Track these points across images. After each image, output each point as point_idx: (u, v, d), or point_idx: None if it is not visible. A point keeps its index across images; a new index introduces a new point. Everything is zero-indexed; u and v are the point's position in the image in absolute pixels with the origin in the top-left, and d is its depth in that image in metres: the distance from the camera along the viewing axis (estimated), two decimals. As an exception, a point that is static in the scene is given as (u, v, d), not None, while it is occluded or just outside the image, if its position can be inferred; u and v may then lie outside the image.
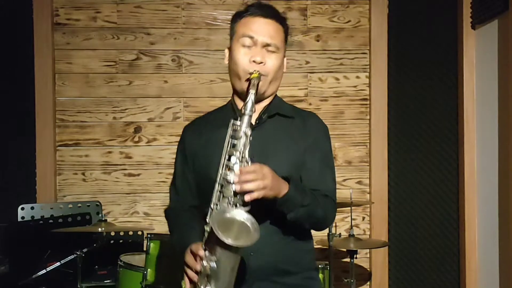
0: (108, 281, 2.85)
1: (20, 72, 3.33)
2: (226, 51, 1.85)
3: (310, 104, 3.49)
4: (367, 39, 3.50)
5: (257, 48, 1.75)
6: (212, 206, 1.59)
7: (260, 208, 1.58)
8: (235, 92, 1.83)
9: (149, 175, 3.42)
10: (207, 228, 1.58)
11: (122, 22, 3.42)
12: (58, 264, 2.78)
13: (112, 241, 3.11)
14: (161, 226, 3.37)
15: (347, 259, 3.03)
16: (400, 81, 3.49)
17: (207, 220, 1.58)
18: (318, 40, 3.50)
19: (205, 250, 1.54)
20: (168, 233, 1.93)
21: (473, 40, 3.39)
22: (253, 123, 1.72)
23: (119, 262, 2.70)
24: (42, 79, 3.33)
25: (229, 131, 1.62)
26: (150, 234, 2.68)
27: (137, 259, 2.76)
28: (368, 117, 3.51)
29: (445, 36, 3.48)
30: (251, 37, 1.75)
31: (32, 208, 3.14)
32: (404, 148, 3.50)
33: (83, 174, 3.40)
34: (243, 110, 1.62)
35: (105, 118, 3.42)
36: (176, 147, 1.94)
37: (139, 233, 3.17)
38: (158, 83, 3.43)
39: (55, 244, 2.89)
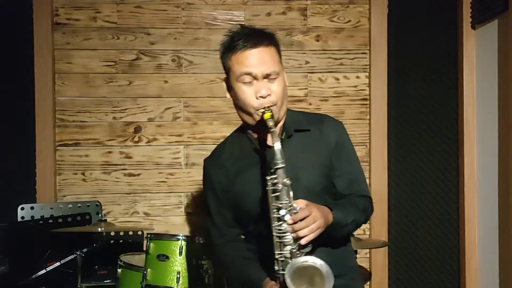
0: (108, 281, 2.85)
1: (20, 72, 3.33)
2: (224, 84, 1.85)
3: (310, 104, 3.49)
4: (367, 39, 3.50)
5: (259, 81, 1.74)
6: (276, 256, 1.66)
7: None
8: (247, 124, 1.85)
9: (149, 175, 3.42)
10: (278, 276, 1.66)
11: (122, 22, 3.42)
12: (58, 264, 2.78)
13: (112, 241, 3.11)
14: (161, 226, 3.38)
15: (347, 259, 3.02)
16: (400, 81, 3.49)
17: (276, 269, 1.66)
18: (318, 40, 3.50)
19: None
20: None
21: (473, 40, 3.39)
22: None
23: (119, 262, 2.70)
24: (42, 79, 3.33)
25: (269, 187, 1.66)
26: (150, 234, 2.68)
27: (137, 259, 2.77)
28: (368, 117, 3.51)
29: (445, 36, 3.48)
30: (250, 73, 1.74)
31: (32, 208, 3.14)
32: (404, 148, 3.50)
33: (83, 174, 3.40)
34: (274, 165, 1.65)
35: (105, 118, 3.42)
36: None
37: (139, 233, 3.17)
38: (158, 83, 3.43)
39: (55, 244, 2.89)
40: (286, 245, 1.64)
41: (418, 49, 3.49)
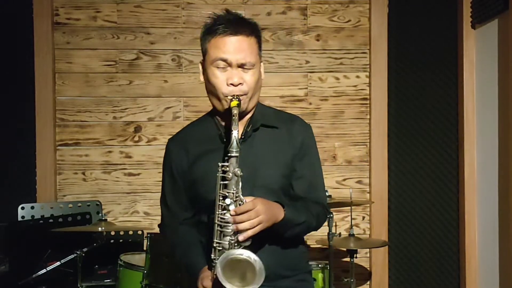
0: (108, 280, 2.85)
1: (20, 72, 3.33)
2: (200, 66, 1.83)
3: (310, 103, 3.49)
4: (367, 39, 3.50)
5: (233, 69, 1.73)
6: (214, 244, 1.64)
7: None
8: (215, 110, 1.84)
9: (149, 174, 3.42)
10: (213, 264, 1.63)
11: (122, 22, 3.42)
12: (58, 263, 2.77)
13: (112, 241, 3.11)
14: (161, 226, 3.38)
15: (347, 259, 3.03)
16: (400, 80, 3.49)
17: (212, 257, 1.65)
18: (318, 40, 3.50)
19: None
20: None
21: (473, 39, 3.39)
22: (239, 137, 1.72)
23: (119, 262, 2.71)
24: (42, 78, 3.33)
25: (219, 173, 1.65)
26: (150, 233, 2.68)
27: (137, 259, 2.77)
28: (368, 117, 3.51)
29: (445, 35, 3.48)
30: (225, 60, 1.72)
31: (32, 207, 3.14)
32: (404, 148, 3.50)
33: (83, 173, 3.40)
34: (228, 152, 1.64)
35: (105, 117, 3.42)
36: (164, 153, 1.93)
37: (139, 232, 3.17)
38: (158, 82, 3.43)
39: (55, 244, 2.89)
40: (226, 235, 1.62)
41: (418, 48, 3.48)
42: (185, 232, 1.86)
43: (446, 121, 3.49)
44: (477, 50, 3.38)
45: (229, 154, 1.64)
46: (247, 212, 1.60)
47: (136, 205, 3.42)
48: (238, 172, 1.62)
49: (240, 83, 1.73)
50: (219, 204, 1.64)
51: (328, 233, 2.87)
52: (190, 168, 1.82)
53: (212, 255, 1.64)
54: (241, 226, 1.60)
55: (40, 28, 3.32)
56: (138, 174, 3.42)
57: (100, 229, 2.76)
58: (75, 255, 2.74)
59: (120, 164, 3.42)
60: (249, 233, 1.60)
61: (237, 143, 1.63)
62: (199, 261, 1.74)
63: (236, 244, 1.62)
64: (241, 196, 1.63)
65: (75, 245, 2.76)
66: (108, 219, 2.94)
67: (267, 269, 1.58)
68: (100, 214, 3.00)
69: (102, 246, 2.85)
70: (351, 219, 3.04)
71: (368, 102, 3.51)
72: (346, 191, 3.24)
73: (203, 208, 1.78)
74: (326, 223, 2.87)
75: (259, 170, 1.75)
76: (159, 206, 3.30)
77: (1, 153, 3.30)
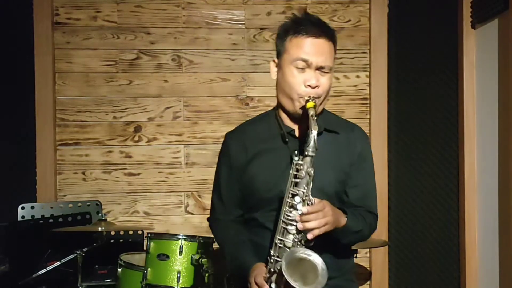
0: (108, 280, 2.85)
1: (20, 72, 3.33)
2: (272, 64, 1.85)
3: (310, 103, 3.49)
4: (367, 39, 3.50)
5: (311, 70, 1.75)
6: (276, 240, 1.66)
7: None
8: (282, 108, 1.84)
9: (149, 174, 3.42)
10: (270, 260, 1.65)
11: (122, 22, 3.42)
12: (58, 263, 2.77)
13: (112, 241, 3.11)
14: (161, 226, 3.38)
15: (347, 259, 3.02)
16: (400, 80, 3.49)
17: (271, 253, 1.65)
18: (318, 40, 3.49)
19: (270, 284, 1.63)
20: (216, 241, 2.02)
21: (473, 39, 3.39)
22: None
23: (119, 262, 2.70)
24: (42, 78, 3.33)
25: (292, 170, 1.66)
26: (150, 233, 2.68)
27: (137, 259, 2.76)
28: (368, 117, 3.51)
29: (445, 35, 3.48)
30: (306, 60, 1.74)
31: (32, 207, 3.14)
32: (404, 148, 3.50)
33: (83, 173, 3.40)
34: (305, 151, 1.65)
35: (105, 117, 3.42)
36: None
37: (139, 232, 3.17)
38: (158, 82, 3.43)
39: (55, 244, 2.89)
40: (289, 233, 1.63)
41: (418, 48, 3.49)
42: (237, 229, 1.87)
43: (446, 121, 3.49)
44: (477, 50, 3.38)
45: (306, 153, 1.65)
46: (316, 213, 1.62)
47: (136, 205, 3.42)
48: (311, 172, 1.64)
49: (317, 86, 1.75)
50: (287, 201, 1.65)
51: (328, 233, 2.87)
52: (248, 164, 1.83)
53: (272, 252, 1.65)
54: (309, 224, 1.61)
55: (40, 28, 3.32)
56: (138, 174, 3.42)
57: (100, 229, 2.76)
58: (75, 255, 2.73)
59: (120, 164, 3.42)
60: (316, 232, 1.61)
61: (314, 143, 1.64)
62: (251, 259, 1.75)
63: (299, 243, 1.63)
64: (311, 197, 1.63)
65: (75, 245, 2.76)
66: (108, 219, 2.94)
67: None
68: (100, 214, 3.00)
69: (102, 246, 2.85)
70: (351, 219, 3.04)
71: (368, 102, 3.51)
72: (346, 191, 3.23)
73: (258, 205, 1.79)
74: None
75: (317, 173, 1.74)
76: (159, 206, 3.31)
77: (1, 153, 3.30)
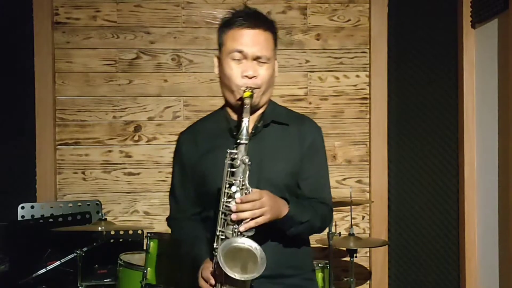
0: (108, 280, 2.85)
1: (20, 71, 3.33)
2: (215, 60, 1.86)
3: (310, 103, 3.49)
4: (367, 38, 3.50)
5: (248, 61, 1.75)
6: (217, 232, 1.64)
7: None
8: (227, 103, 1.85)
9: (149, 174, 3.42)
10: (215, 254, 1.62)
11: (122, 21, 3.42)
12: (58, 263, 2.78)
13: (112, 240, 3.11)
14: (161, 225, 3.37)
15: (347, 258, 3.03)
16: (400, 80, 3.49)
17: (215, 246, 1.63)
18: (318, 39, 3.49)
19: (215, 280, 1.61)
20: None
21: (473, 39, 3.39)
22: (249, 132, 1.72)
23: (119, 261, 2.70)
24: (42, 78, 3.33)
25: (227, 160, 1.65)
26: (150, 233, 2.68)
27: (137, 258, 2.76)
28: (368, 116, 3.51)
29: (445, 35, 3.48)
30: (241, 51, 1.75)
31: (32, 207, 3.14)
32: (404, 147, 3.50)
33: (83, 173, 3.40)
34: (238, 139, 1.64)
35: (105, 117, 3.42)
36: (175, 146, 1.94)
37: (139, 232, 3.17)
38: (158, 82, 3.43)
39: (55, 243, 2.89)
40: (229, 224, 1.61)
41: (418, 48, 3.48)
42: (191, 227, 1.85)
43: (446, 120, 3.49)
44: (477, 49, 3.38)
45: (238, 141, 1.64)
46: (252, 202, 1.60)
47: (136, 205, 3.42)
48: (246, 160, 1.62)
49: (254, 76, 1.74)
50: (225, 192, 1.64)
51: (328, 233, 2.87)
52: (199, 161, 1.82)
53: (215, 244, 1.63)
54: (242, 215, 1.59)
55: (40, 28, 3.32)
56: (138, 174, 3.42)
57: (100, 228, 2.76)
58: (75, 254, 2.74)
59: (120, 164, 3.42)
60: (251, 224, 1.60)
61: (247, 130, 1.64)
62: (203, 254, 1.73)
63: (239, 234, 1.60)
64: (248, 185, 1.62)
65: (75, 244, 2.76)
66: (108, 219, 2.94)
67: (270, 268, 1.57)
68: (100, 214, 3.00)
69: (102, 245, 2.85)
70: (351, 218, 3.05)
71: (368, 101, 3.51)
72: (346, 190, 3.23)
73: (212, 203, 1.76)
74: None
75: (265, 165, 1.75)
76: (159, 206, 3.31)
77: (1, 153, 3.30)
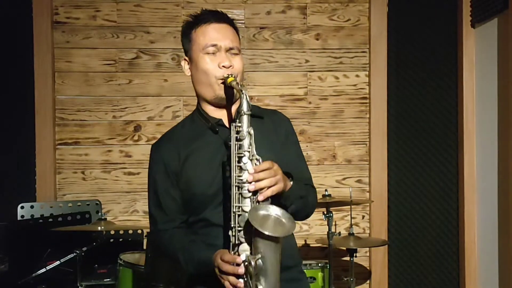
0: (108, 279, 2.85)
1: (19, 71, 3.33)
2: (184, 62, 1.89)
3: (310, 102, 3.49)
4: (366, 38, 3.50)
5: (222, 53, 1.79)
6: (234, 209, 1.62)
7: None
8: (206, 101, 1.86)
9: (149, 174, 3.42)
10: (232, 233, 1.61)
11: (121, 21, 3.42)
12: (58, 263, 2.77)
13: (111, 240, 3.10)
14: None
15: (347, 258, 3.03)
16: (400, 80, 3.49)
17: (232, 225, 1.62)
18: (317, 39, 3.49)
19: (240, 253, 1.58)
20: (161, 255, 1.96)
21: (473, 38, 3.39)
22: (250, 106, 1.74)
23: (118, 261, 2.70)
24: (41, 77, 3.33)
25: (233, 134, 1.65)
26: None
27: (137, 258, 2.77)
28: (367, 116, 3.51)
29: (445, 34, 3.48)
30: (214, 45, 1.79)
31: (32, 207, 3.14)
32: (404, 147, 3.50)
33: (83, 173, 3.40)
34: (241, 111, 1.65)
35: (105, 116, 3.42)
36: (152, 157, 1.90)
37: (139, 231, 3.16)
38: (158, 81, 3.43)
39: (54, 243, 2.89)
40: (246, 197, 1.59)
41: (418, 48, 3.48)
42: (184, 233, 1.83)
43: (446, 120, 3.49)
44: (477, 49, 3.38)
45: (241, 113, 1.65)
46: (267, 170, 1.60)
47: (135, 204, 3.42)
48: (251, 131, 1.63)
49: (231, 66, 1.78)
50: (236, 166, 1.63)
51: (328, 232, 2.87)
52: (182, 167, 1.81)
53: (232, 223, 1.61)
54: (260, 184, 1.58)
55: (39, 27, 3.32)
56: (138, 173, 3.42)
57: (99, 228, 2.76)
58: (74, 254, 2.73)
59: (120, 163, 3.42)
60: (268, 192, 1.59)
61: (247, 102, 1.65)
62: (206, 254, 1.70)
63: (258, 204, 1.58)
64: (256, 155, 1.62)
65: (74, 244, 2.76)
66: (108, 218, 2.93)
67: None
68: (99, 213, 2.99)
69: (101, 245, 2.85)
70: (351, 218, 3.05)
71: (367, 101, 3.51)
72: (346, 190, 3.24)
73: (203, 205, 1.77)
74: (326, 222, 2.89)
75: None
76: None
77: (1, 153, 3.29)
